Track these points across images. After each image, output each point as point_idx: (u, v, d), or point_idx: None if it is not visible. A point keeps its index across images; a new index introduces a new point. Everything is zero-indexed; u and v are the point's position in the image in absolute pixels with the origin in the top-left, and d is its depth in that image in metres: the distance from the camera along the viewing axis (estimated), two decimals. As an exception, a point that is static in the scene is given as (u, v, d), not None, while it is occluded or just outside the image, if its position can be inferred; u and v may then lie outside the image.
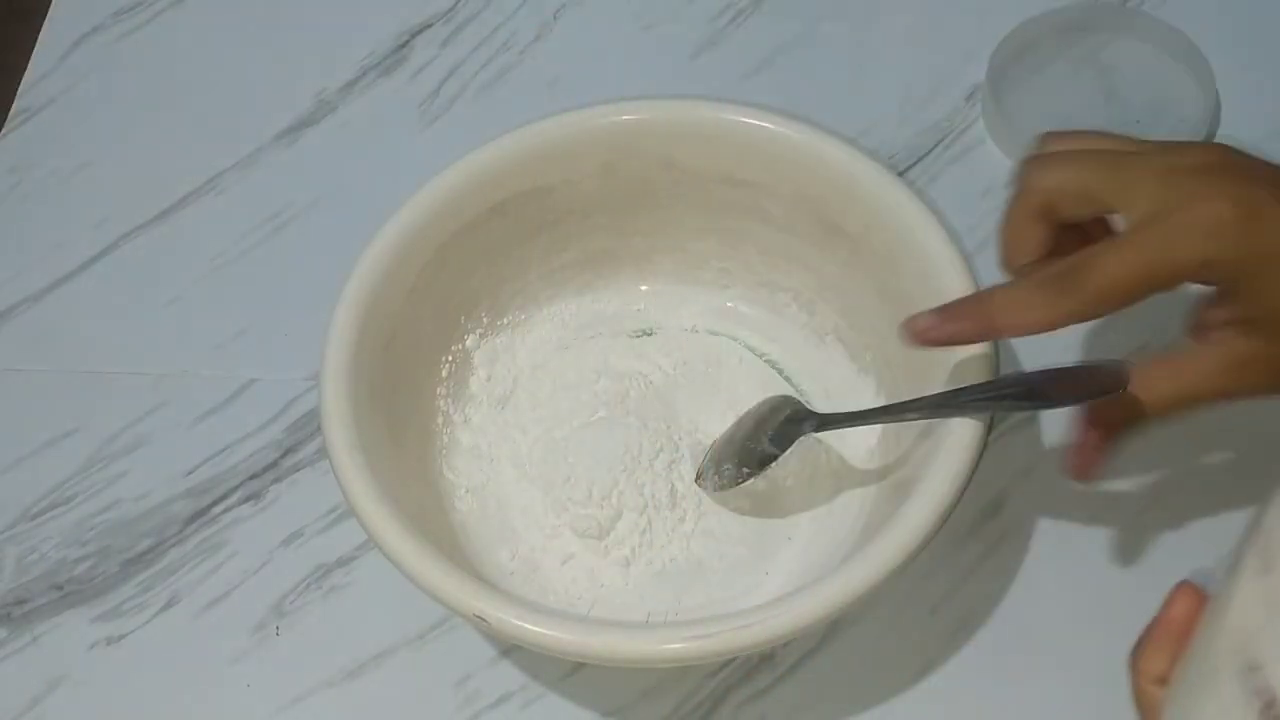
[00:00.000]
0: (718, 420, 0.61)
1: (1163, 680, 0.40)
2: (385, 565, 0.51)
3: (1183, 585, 0.40)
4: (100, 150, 0.74)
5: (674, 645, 0.49)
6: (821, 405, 0.61)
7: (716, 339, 0.65)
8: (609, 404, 0.62)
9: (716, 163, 0.61)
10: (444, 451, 0.61)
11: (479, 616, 0.49)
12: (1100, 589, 0.59)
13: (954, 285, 0.54)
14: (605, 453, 0.59)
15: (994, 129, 0.71)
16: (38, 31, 0.78)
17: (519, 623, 0.49)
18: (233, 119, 0.75)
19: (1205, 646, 0.37)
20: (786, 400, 0.59)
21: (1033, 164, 0.50)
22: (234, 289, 0.69)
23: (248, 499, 0.63)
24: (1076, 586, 0.59)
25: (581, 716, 0.57)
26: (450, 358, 0.62)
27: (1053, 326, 0.48)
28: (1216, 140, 0.70)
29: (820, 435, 0.60)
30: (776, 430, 0.57)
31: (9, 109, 0.76)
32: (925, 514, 0.50)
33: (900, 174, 0.66)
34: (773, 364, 0.64)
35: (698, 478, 0.59)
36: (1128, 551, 0.60)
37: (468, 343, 0.63)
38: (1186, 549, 0.59)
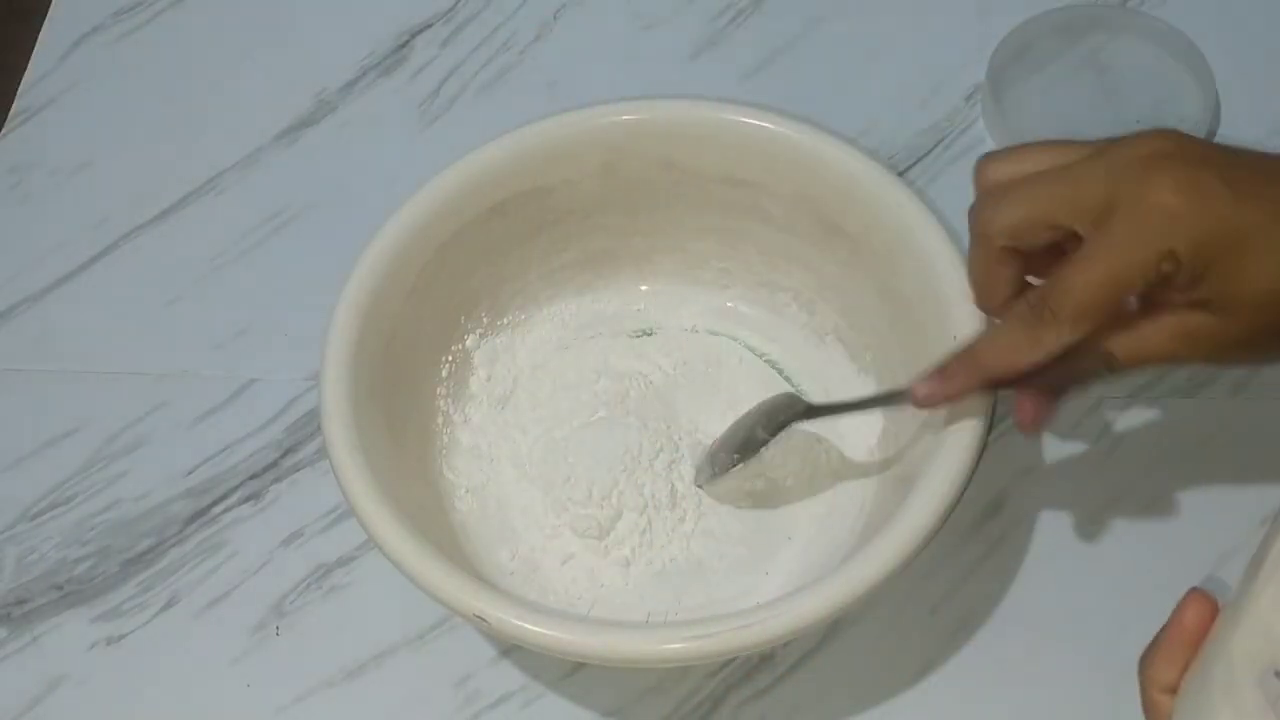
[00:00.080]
0: (718, 420, 0.61)
1: (1173, 689, 0.39)
2: (385, 565, 0.51)
3: (1194, 593, 0.40)
4: (100, 150, 0.74)
5: (674, 645, 0.49)
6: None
7: (716, 339, 0.65)
8: (609, 404, 0.62)
9: (716, 163, 0.61)
10: (444, 451, 0.61)
11: (479, 616, 0.49)
12: (1100, 589, 0.59)
13: (954, 285, 0.54)
14: (605, 453, 0.59)
15: (994, 129, 0.71)
16: (38, 31, 0.78)
17: (519, 623, 0.49)
18: (233, 119, 0.75)
19: (1220, 654, 0.37)
20: (786, 395, 0.59)
21: (984, 205, 0.50)
22: (234, 289, 0.69)
23: (248, 499, 0.63)
24: (1077, 587, 0.59)
25: (581, 716, 0.57)
26: (450, 358, 0.62)
27: (1047, 358, 0.48)
28: (1216, 139, 0.70)
29: (820, 435, 0.60)
30: (769, 419, 0.57)
31: (9, 109, 0.76)
32: (925, 514, 0.50)
33: (900, 174, 0.66)
34: (773, 364, 0.64)
35: (696, 477, 0.59)
36: (1128, 552, 0.60)
37: (468, 343, 0.63)
38: (1187, 549, 0.59)
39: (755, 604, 0.50)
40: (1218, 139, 0.70)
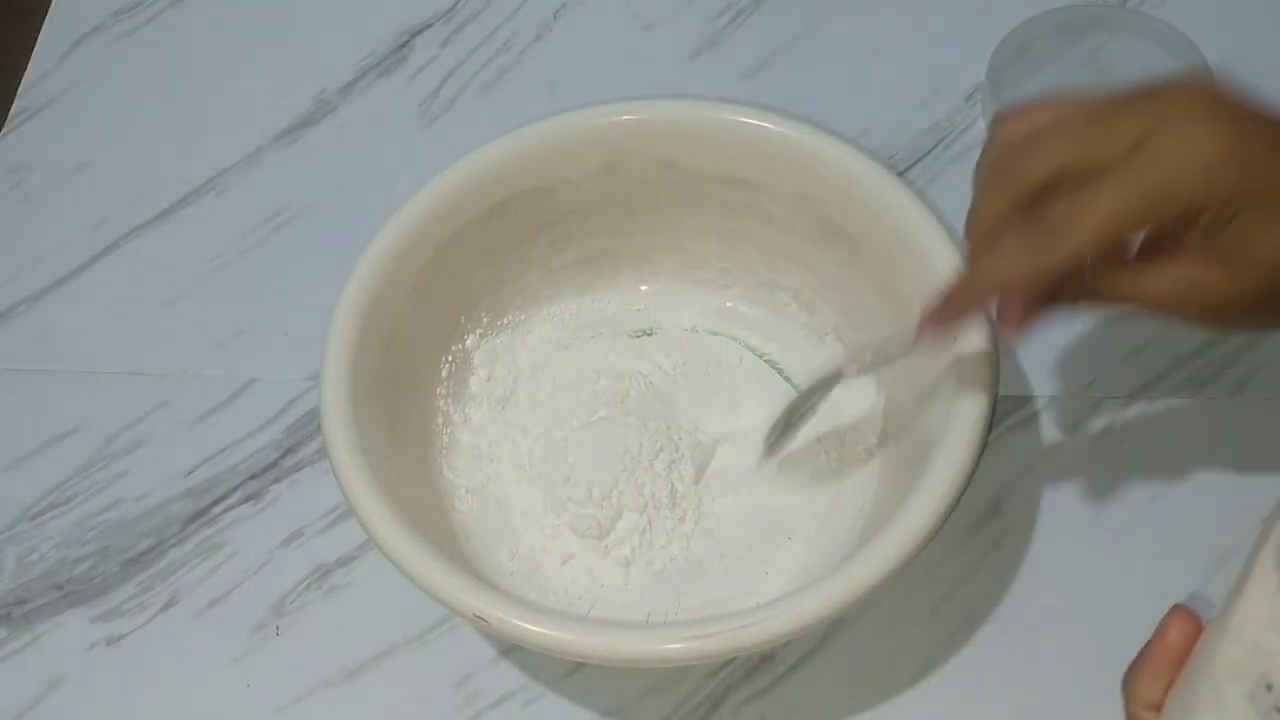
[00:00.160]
0: (718, 420, 0.61)
1: (1157, 706, 0.39)
2: (385, 565, 0.51)
3: (1177, 610, 0.40)
4: (100, 150, 0.74)
5: (674, 645, 0.49)
6: (821, 405, 0.61)
7: (716, 339, 0.65)
8: (609, 404, 0.62)
9: (716, 163, 0.61)
10: (444, 451, 0.61)
11: (479, 616, 0.49)
12: (1100, 589, 0.59)
13: (954, 285, 0.54)
14: (605, 453, 0.59)
15: (994, 129, 0.71)
16: (38, 31, 0.79)
17: (519, 623, 0.49)
18: (233, 119, 0.75)
19: (1205, 669, 0.37)
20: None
21: (1019, 152, 0.48)
22: (234, 289, 0.69)
23: (248, 499, 0.63)
24: (1076, 587, 0.59)
25: (581, 716, 0.57)
26: (450, 358, 0.62)
27: (1052, 270, 0.46)
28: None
29: (820, 436, 0.60)
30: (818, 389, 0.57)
31: (9, 109, 0.76)
32: (925, 514, 0.50)
33: (900, 174, 0.66)
34: (773, 364, 0.64)
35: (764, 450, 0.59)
36: (1127, 552, 0.60)
37: (468, 343, 0.63)
38: (1187, 549, 0.59)
39: (755, 604, 0.50)
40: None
